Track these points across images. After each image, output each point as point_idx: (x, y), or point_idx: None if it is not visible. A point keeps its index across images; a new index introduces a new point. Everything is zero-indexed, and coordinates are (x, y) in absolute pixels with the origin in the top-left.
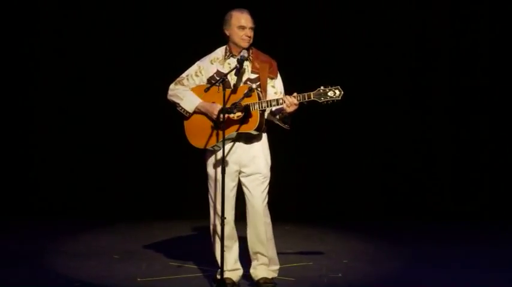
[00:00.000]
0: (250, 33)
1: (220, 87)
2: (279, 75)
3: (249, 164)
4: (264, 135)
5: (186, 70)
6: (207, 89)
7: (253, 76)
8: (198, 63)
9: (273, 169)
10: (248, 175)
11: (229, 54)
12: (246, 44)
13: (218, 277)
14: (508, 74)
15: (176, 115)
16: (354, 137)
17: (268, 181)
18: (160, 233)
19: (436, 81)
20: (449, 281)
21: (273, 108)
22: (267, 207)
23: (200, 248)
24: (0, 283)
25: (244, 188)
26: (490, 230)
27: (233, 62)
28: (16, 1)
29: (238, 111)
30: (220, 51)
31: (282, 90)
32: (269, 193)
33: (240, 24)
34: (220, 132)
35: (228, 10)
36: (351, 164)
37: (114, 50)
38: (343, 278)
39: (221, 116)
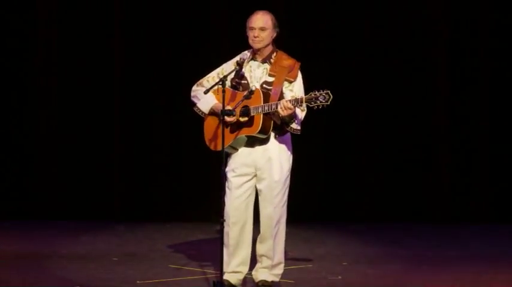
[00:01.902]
0: (258, 33)
1: (220, 89)
2: (299, 77)
3: (263, 168)
4: (284, 139)
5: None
6: (206, 91)
7: (270, 79)
8: (223, 65)
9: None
10: (261, 179)
11: (252, 56)
12: (255, 45)
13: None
14: (508, 75)
15: (175, 117)
16: (353, 139)
17: (281, 186)
18: (159, 235)
19: (436, 82)
20: (450, 283)
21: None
22: (283, 212)
23: (200, 250)
24: (0, 285)
25: (258, 191)
26: (490, 233)
27: (254, 64)
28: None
29: (243, 113)
30: (243, 55)
31: (302, 93)
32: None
33: (250, 25)
34: (231, 135)
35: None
36: (351, 166)
37: (115, 50)
38: (343, 281)
39: (225, 117)
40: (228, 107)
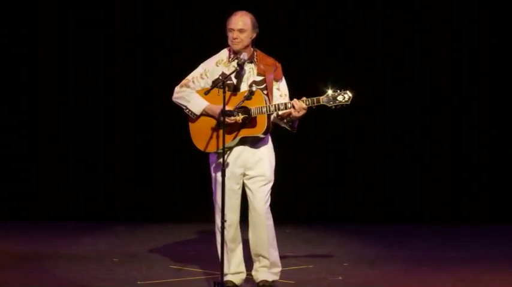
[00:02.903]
0: (236, 35)
1: (221, 90)
2: (283, 77)
3: (254, 167)
4: (269, 137)
5: (190, 72)
6: (207, 92)
7: (259, 78)
8: (203, 65)
9: (274, 171)
10: (252, 177)
11: (233, 56)
12: (234, 47)
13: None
14: (509, 75)
15: (176, 118)
16: (354, 140)
17: (271, 184)
18: (160, 236)
19: (437, 82)
20: (450, 283)
21: (280, 112)
22: (269, 209)
23: (200, 251)
24: (0, 286)
25: (247, 190)
26: (490, 233)
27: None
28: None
29: (244, 114)
30: (224, 53)
31: (287, 93)
32: (271, 195)
33: (229, 27)
34: (228, 136)
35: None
36: (352, 167)
37: (115, 50)
38: (344, 281)
39: (224, 118)
40: (229, 108)
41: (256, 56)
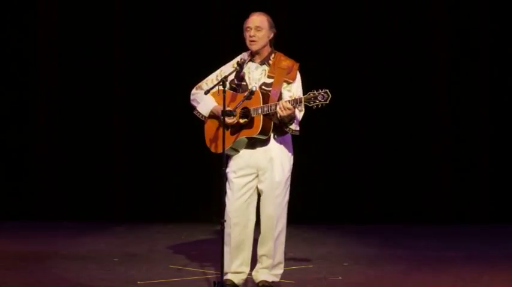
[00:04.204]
0: (254, 33)
1: (220, 90)
2: (298, 79)
3: (265, 168)
4: (285, 139)
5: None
6: (206, 92)
7: (269, 81)
8: (222, 67)
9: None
10: (263, 179)
11: (251, 58)
12: (252, 47)
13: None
14: (509, 75)
15: (175, 118)
16: (354, 140)
17: (282, 187)
18: (160, 236)
19: (436, 82)
20: (450, 283)
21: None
22: (284, 212)
23: (200, 251)
24: (0, 286)
25: (259, 192)
26: (490, 233)
27: (252, 65)
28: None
29: (243, 116)
30: (244, 55)
31: (300, 94)
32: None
33: (246, 26)
34: (231, 137)
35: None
36: (351, 167)
37: (116, 51)
38: (343, 281)
39: (225, 119)
40: (228, 108)
41: (273, 57)
